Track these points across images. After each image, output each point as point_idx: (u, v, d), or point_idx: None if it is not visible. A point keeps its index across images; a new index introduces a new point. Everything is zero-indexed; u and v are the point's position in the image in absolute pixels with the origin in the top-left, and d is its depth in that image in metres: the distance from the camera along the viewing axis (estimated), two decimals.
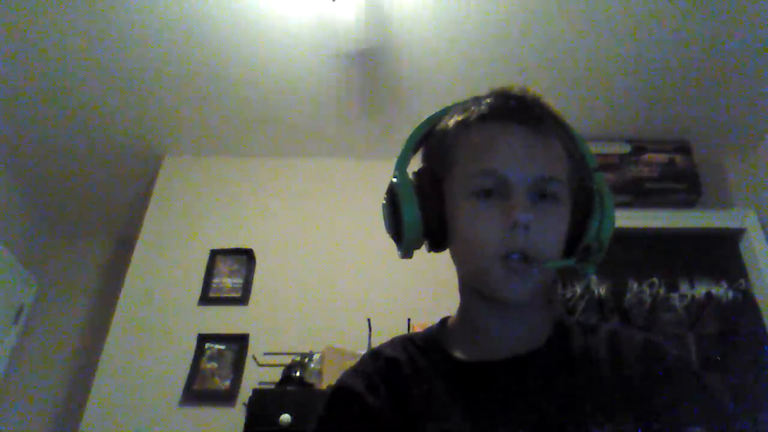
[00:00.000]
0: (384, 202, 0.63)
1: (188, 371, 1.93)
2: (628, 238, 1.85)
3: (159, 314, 2.07)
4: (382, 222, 0.64)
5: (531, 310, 0.64)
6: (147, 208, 2.30)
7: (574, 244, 0.63)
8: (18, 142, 2.32)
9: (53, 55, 1.97)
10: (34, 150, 2.36)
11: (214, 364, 1.95)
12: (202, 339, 1.99)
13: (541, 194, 0.59)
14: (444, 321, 0.67)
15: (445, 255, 0.64)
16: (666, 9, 1.79)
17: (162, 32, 1.90)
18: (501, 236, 0.58)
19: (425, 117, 0.67)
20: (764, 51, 1.94)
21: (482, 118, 0.63)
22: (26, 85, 2.08)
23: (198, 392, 1.91)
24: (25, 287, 2.60)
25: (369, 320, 1.83)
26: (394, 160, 0.64)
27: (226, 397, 1.88)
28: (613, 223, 0.64)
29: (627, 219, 2.01)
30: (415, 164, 0.65)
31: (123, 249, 2.47)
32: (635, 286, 1.97)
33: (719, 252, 2.19)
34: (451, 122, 0.63)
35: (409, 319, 1.85)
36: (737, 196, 2.32)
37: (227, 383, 1.91)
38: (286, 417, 1.54)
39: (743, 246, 2.19)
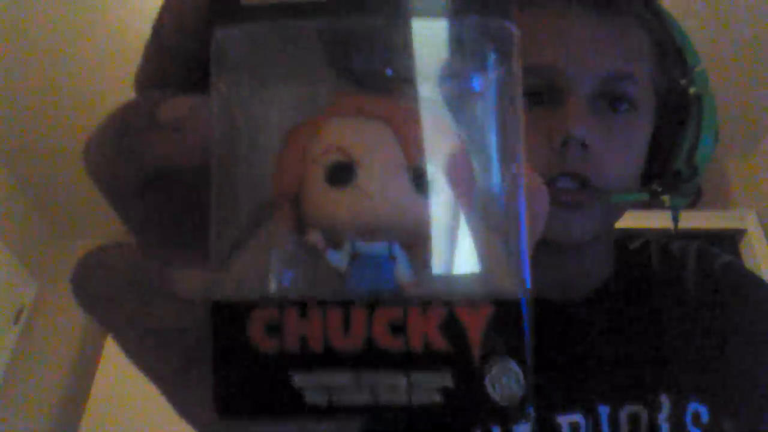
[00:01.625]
0: None
1: None
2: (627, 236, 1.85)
3: None
4: None
5: (588, 251, 0.49)
6: None
7: (657, 167, 0.47)
8: (18, 142, 2.32)
9: (53, 55, 1.97)
10: (34, 150, 2.36)
11: None
12: None
13: (611, 99, 0.44)
14: None
15: None
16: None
17: None
18: (547, 157, 0.42)
19: None
20: (764, 51, 1.94)
21: None
22: (26, 85, 2.08)
23: None
24: (25, 287, 2.60)
25: None
26: None
27: None
28: (714, 140, 0.46)
29: (627, 219, 2.00)
30: None
31: None
32: None
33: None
34: None
35: None
36: (737, 196, 2.32)
37: None
38: None
39: (743, 246, 2.19)
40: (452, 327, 0.14)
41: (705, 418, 0.43)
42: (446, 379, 0.14)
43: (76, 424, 1.95)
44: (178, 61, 0.16)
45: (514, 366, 0.14)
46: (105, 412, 1.91)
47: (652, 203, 0.47)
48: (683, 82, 0.47)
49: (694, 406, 0.43)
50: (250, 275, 0.14)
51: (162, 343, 0.18)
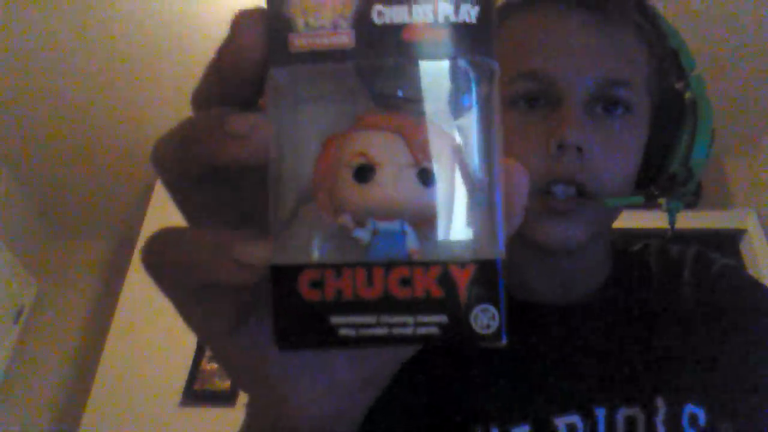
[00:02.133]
0: None
1: (188, 371, 1.93)
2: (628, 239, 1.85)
3: (159, 314, 2.07)
4: None
5: (584, 255, 0.49)
6: (147, 208, 2.30)
7: (653, 171, 0.47)
8: (18, 142, 2.32)
9: (53, 55, 1.97)
10: (34, 150, 2.36)
11: (215, 365, 1.95)
12: None
13: (606, 104, 0.44)
14: None
15: None
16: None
17: (163, 32, 1.90)
18: (543, 161, 0.43)
19: None
20: (764, 51, 1.94)
21: (527, 0, 0.47)
22: (26, 85, 2.08)
23: (198, 393, 1.91)
24: (25, 287, 2.60)
25: None
26: None
27: (227, 398, 1.88)
28: (710, 143, 0.46)
29: (627, 220, 2.00)
30: None
31: (123, 249, 2.47)
32: None
33: (720, 253, 2.18)
34: None
35: None
36: (737, 196, 2.32)
37: (228, 384, 1.91)
38: None
39: (743, 246, 2.19)
40: (446, 281, 0.19)
41: (702, 420, 0.43)
42: (442, 318, 0.19)
43: (76, 424, 1.96)
44: (236, 87, 0.20)
45: (491, 308, 0.19)
46: (105, 412, 1.92)
47: (649, 205, 0.47)
48: (679, 86, 0.48)
49: (690, 409, 0.43)
50: (299, 246, 0.20)
51: (220, 300, 0.21)
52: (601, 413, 0.43)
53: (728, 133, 2.29)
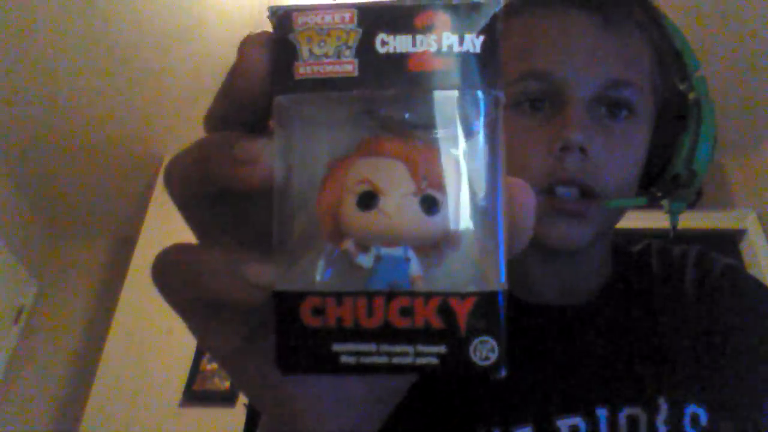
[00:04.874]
0: None
1: (188, 372, 1.93)
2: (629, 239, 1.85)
3: (159, 314, 2.07)
4: None
5: (586, 255, 0.49)
6: (147, 208, 2.30)
7: (656, 172, 0.47)
8: (18, 142, 2.32)
9: (52, 55, 1.97)
10: (34, 150, 2.36)
11: (215, 365, 1.95)
12: None
13: (611, 106, 0.44)
14: None
15: None
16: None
17: (161, 32, 1.90)
18: (547, 162, 0.43)
19: None
20: (764, 51, 1.94)
21: (531, 1, 0.47)
22: (26, 85, 2.08)
23: (198, 393, 1.91)
24: (25, 287, 2.60)
25: None
26: None
27: (227, 398, 1.88)
28: (713, 145, 0.46)
29: (628, 220, 2.00)
30: None
31: (123, 249, 2.47)
32: None
33: (720, 253, 2.18)
34: None
35: None
36: (737, 196, 2.32)
37: (227, 384, 1.92)
38: None
39: (744, 247, 2.19)
40: (446, 312, 0.19)
41: (704, 420, 0.43)
42: (441, 349, 0.19)
43: (76, 424, 1.96)
44: (245, 110, 0.21)
45: (491, 340, 0.19)
46: (105, 412, 1.92)
47: (652, 206, 0.47)
48: (682, 87, 0.47)
49: (692, 409, 0.43)
50: (303, 271, 0.20)
51: (228, 319, 0.22)
52: (602, 414, 0.43)
53: (728, 133, 2.29)
